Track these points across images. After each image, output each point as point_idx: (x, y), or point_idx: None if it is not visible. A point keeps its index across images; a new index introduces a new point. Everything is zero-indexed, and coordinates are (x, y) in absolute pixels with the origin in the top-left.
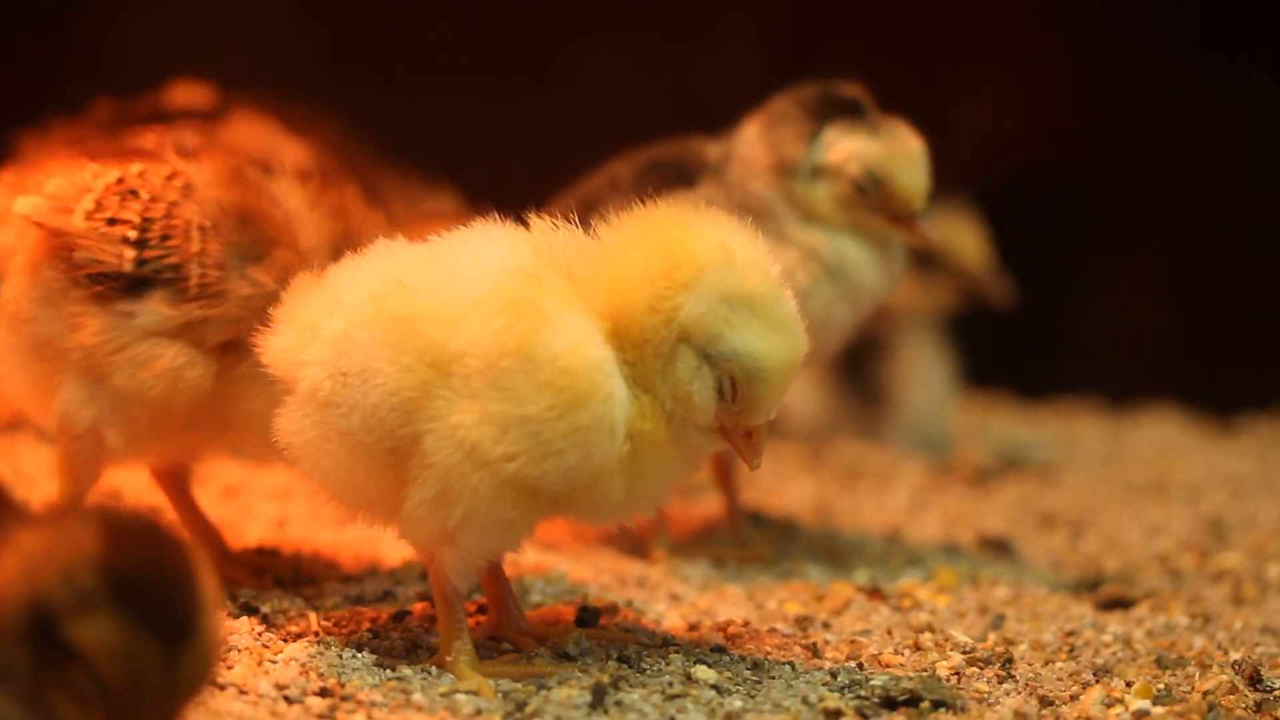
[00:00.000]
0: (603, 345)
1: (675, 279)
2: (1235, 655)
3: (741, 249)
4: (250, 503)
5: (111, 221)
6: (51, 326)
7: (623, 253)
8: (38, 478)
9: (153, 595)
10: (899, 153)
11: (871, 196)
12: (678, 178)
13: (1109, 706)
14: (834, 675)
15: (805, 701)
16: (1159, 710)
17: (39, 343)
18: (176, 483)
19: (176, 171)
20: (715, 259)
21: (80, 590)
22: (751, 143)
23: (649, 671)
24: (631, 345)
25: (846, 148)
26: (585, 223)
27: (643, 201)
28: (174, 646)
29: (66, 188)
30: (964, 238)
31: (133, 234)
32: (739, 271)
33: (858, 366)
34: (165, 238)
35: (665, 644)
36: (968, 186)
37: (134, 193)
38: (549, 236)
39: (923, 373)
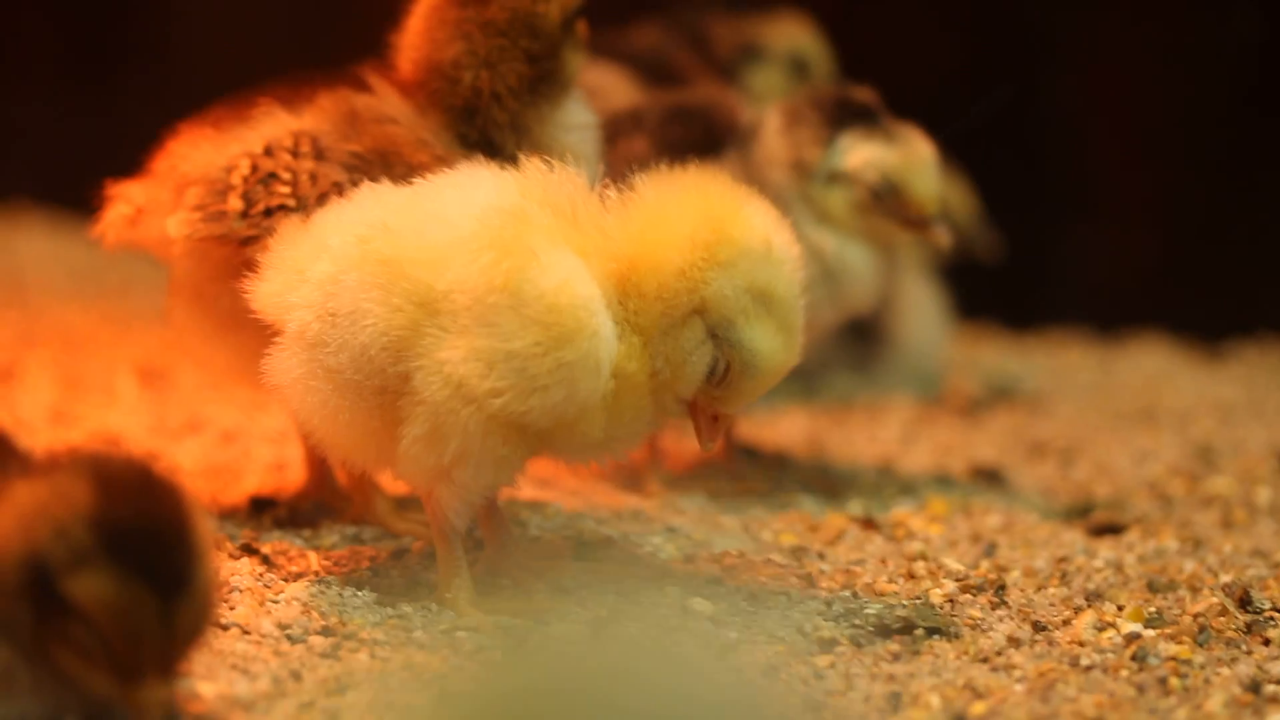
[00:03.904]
0: (590, 283)
1: (715, 255)
2: (1225, 578)
3: (780, 247)
4: (249, 446)
5: (268, 212)
6: (234, 299)
7: (666, 211)
8: (37, 424)
9: (146, 547)
10: (914, 160)
11: (887, 203)
12: (704, 132)
13: (1101, 630)
14: (829, 605)
15: (801, 631)
16: (1150, 633)
17: (223, 315)
18: None
19: (299, 136)
20: (756, 249)
21: (74, 545)
22: (774, 134)
23: (646, 604)
24: (641, 296)
25: (863, 155)
26: (606, 154)
27: (665, 143)
28: (170, 598)
29: (207, 195)
30: (949, 191)
31: (293, 210)
32: (772, 268)
33: None
34: (324, 197)
35: (662, 577)
36: (943, 128)
37: (273, 175)
38: (540, 178)
39: (917, 310)
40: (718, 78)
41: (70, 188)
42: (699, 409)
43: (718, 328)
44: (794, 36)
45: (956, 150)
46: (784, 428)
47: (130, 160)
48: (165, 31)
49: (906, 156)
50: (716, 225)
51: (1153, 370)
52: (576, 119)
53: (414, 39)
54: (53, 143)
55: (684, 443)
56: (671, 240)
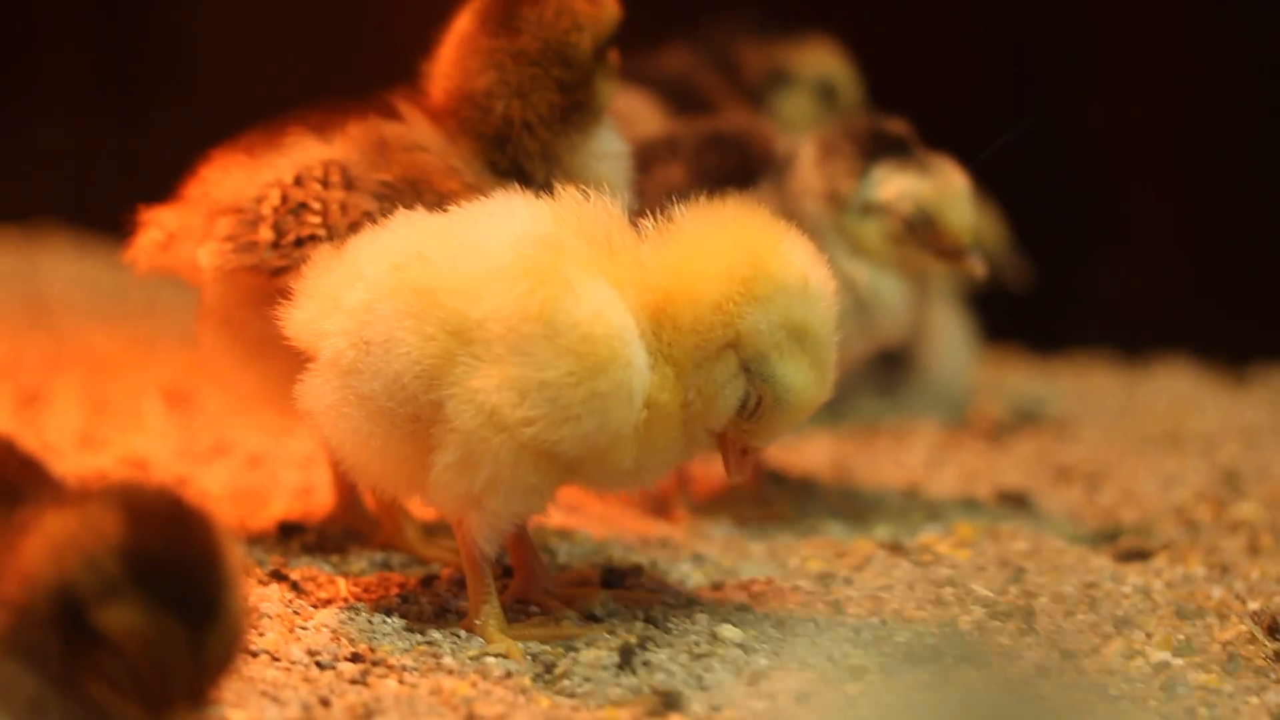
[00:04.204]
0: (624, 313)
1: (752, 290)
2: (1253, 605)
3: (816, 283)
4: (276, 471)
5: (299, 242)
6: (264, 326)
7: (705, 244)
8: (65, 448)
9: (176, 578)
10: (948, 191)
11: (922, 234)
12: (740, 161)
13: (1130, 659)
14: (857, 631)
15: (830, 658)
16: (1179, 662)
17: (252, 341)
18: None
19: (328, 165)
20: (793, 285)
21: (104, 576)
22: (809, 166)
23: (675, 631)
24: (676, 328)
25: (897, 186)
26: (641, 182)
27: (700, 171)
28: (199, 629)
29: (237, 225)
30: (980, 220)
31: (324, 240)
32: (808, 304)
33: None
34: (354, 226)
35: (690, 604)
36: (971, 157)
37: (304, 205)
38: (575, 206)
39: (944, 335)
40: (747, 103)
41: (96, 208)
42: (729, 441)
43: (751, 362)
44: (823, 62)
45: (984, 175)
46: (809, 452)
47: (156, 182)
48: (193, 52)
49: (940, 188)
50: (754, 260)
51: (1178, 394)
52: (608, 147)
53: (446, 67)
54: (79, 163)
55: (710, 469)
56: (708, 273)
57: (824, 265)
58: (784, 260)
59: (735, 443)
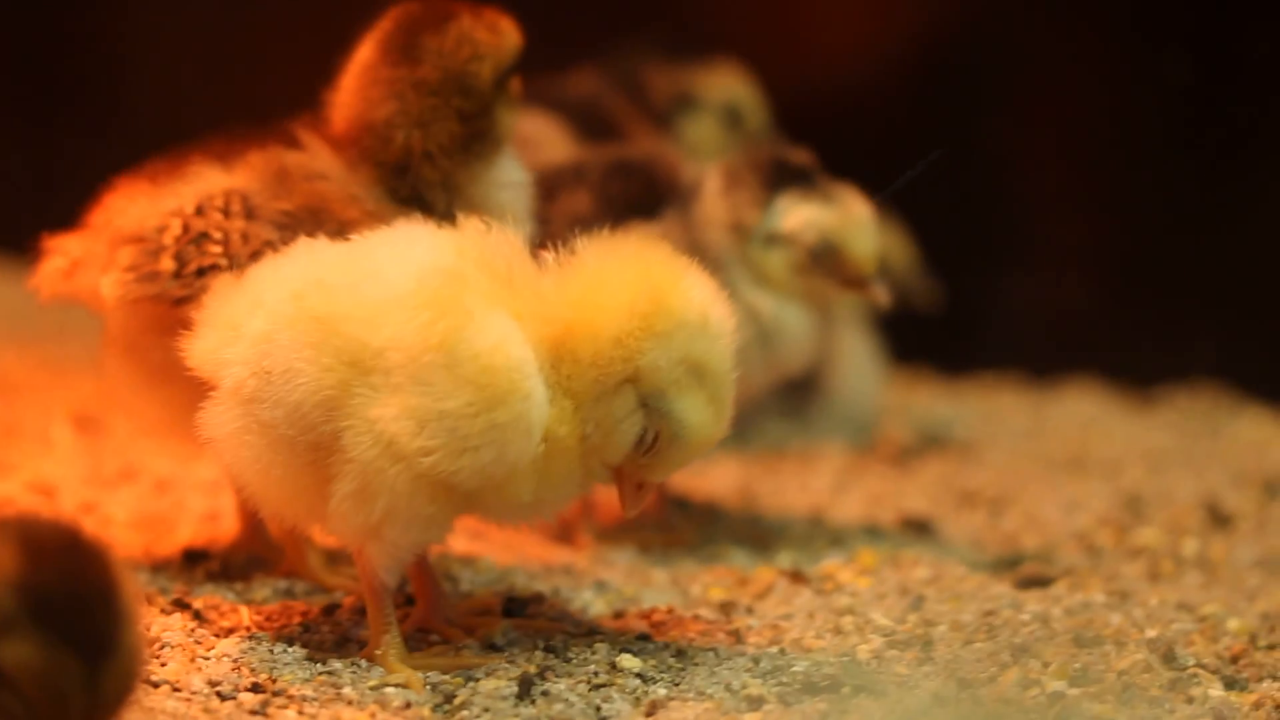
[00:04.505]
0: (524, 346)
1: (652, 326)
2: (1151, 633)
3: (716, 320)
4: (183, 496)
5: (201, 272)
6: (167, 354)
7: (606, 278)
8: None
9: (71, 614)
10: (852, 221)
11: (826, 264)
12: (645, 188)
13: (1026, 688)
14: (756, 661)
15: (728, 689)
16: (1075, 692)
17: (155, 368)
18: None
19: (229, 195)
20: (693, 321)
21: None
22: (713, 196)
23: (575, 661)
24: (576, 362)
25: (801, 216)
26: (546, 209)
27: (606, 199)
28: (95, 664)
29: (139, 255)
30: (888, 243)
31: (225, 269)
32: (707, 341)
33: None
34: (256, 255)
35: (591, 633)
36: (880, 188)
37: (205, 235)
38: (476, 237)
39: (851, 359)
40: (654, 127)
41: (5, 230)
42: (625, 476)
43: (650, 397)
44: (729, 87)
45: (892, 197)
46: (716, 476)
47: (66, 202)
48: (108, 73)
49: (844, 217)
50: (655, 295)
51: (1084, 416)
52: (509, 176)
53: (347, 96)
54: None
55: (615, 495)
56: (609, 307)
57: (725, 302)
58: (685, 296)
59: (632, 477)
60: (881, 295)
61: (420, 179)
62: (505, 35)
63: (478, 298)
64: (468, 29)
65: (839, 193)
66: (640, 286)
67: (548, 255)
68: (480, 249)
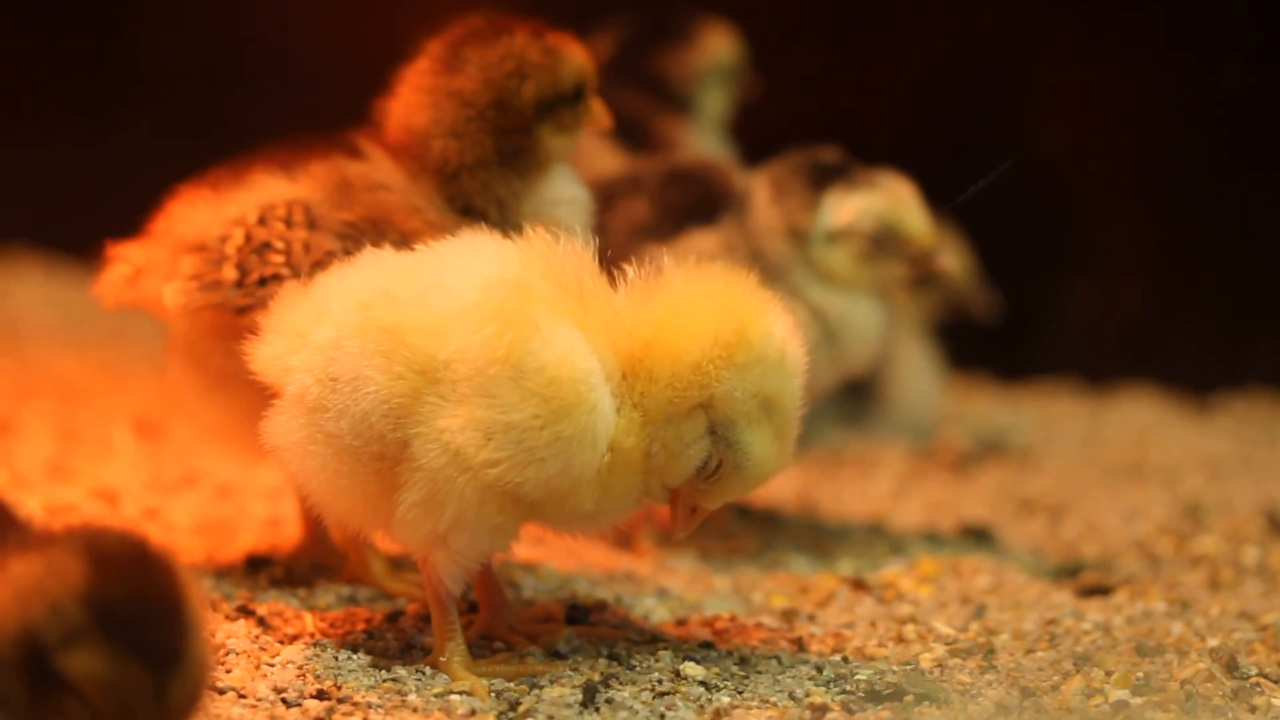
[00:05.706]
0: (590, 357)
1: (732, 356)
2: (1213, 642)
3: (793, 359)
4: (245, 502)
5: (263, 281)
6: (228, 361)
7: (693, 303)
8: (35, 479)
9: (138, 624)
10: (900, 200)
11: (889, 246)
12: (702, 196)
13: (1089, 697)
14: (819, 669)
15: (792, 696)
16: (1137, 701)
17: (217, 375)
18: None
19: (292, 205)
20: (772, 357)
21: (67, 623)
22: (765, 205)
23: (639, 668)
24: (651, 380)
25: (853, 207)
26: (604, 218)
27: (664, 206)
28: (162, 673)
29: (202, 264)
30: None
31: (287, 279)
32: (782, 378)
33: None
34: (318, 265)
35: (654, 640)
36: (952, 200)
37: (267, 244)
38: (543, 248)
39: (911, 365)
40: (678, 116)
41: (67, 233)
42: (681, 498)
43: (719, 425)
44: (725, 48)
45: (952, 205)
46: (775, 483)
47: (127, 206)
48: (166, 76)
49: (892, 198)
50: (739, 327)
51: (1142, 423)
52: (563, 193)
53: (396, 104)
54: (51, 188)
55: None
56: (694, 332)
57: (801, 341)
58: (767, 331)
59: (688, 500)
60: (949, 263)
61: (462, 189)
62: (562, 59)
63: (544, 309)
64: (519, 47)
65: (878, 177)
66: (726, 316)
67: (626, 270)
68: (546, 260)
